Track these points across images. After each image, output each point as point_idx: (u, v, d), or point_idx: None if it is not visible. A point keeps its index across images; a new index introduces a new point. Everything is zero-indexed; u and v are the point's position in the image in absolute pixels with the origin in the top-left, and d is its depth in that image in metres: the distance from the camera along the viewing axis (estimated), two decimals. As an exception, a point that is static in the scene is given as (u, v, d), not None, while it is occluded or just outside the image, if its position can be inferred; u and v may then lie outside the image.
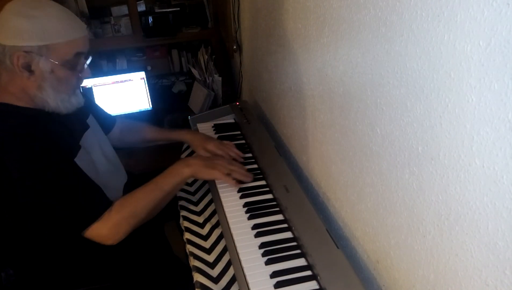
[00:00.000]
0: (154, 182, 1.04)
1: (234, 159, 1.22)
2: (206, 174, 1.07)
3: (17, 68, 0.91)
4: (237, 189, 1.10)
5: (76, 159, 1.01)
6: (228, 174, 1.08)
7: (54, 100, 0.97)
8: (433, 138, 0.62)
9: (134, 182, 1.29)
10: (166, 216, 1.31)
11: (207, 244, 1.02)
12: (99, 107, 1.32)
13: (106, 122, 1.30)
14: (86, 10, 1.96)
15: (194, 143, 1.28)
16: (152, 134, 1.39)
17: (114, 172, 1.20)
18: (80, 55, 0.97)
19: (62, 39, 0.92)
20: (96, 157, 1.11)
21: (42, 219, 0.97)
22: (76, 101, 1.02)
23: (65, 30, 0.92)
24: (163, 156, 1.70)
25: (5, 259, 1.12)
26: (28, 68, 0.91)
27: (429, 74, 0.61)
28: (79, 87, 1.06)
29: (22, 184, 0.90)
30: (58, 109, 0.99)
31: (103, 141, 1.20)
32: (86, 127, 1.13)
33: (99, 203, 0.98)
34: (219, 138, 1.36)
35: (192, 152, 1.37)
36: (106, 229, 0.96)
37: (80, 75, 1.01)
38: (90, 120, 1.17)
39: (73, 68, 0.97)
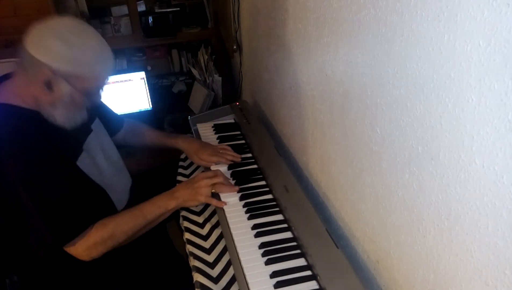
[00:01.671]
0: (139, 209, 1.03)
1: (233, 161, 1.22)
2: (191, 202, 1.07)
3: (38, 82, 0.91)
4: (237, 189, 1.11)
5: (78, 162, 1.01)
6: (213, 191, 1.07)
7: (61, 117, 0.97)
8: (433, 138, 0.62)
9: (139, 186, 1.28)
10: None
11: (207, 244, 1.02)
12: (107, 108, 1.31)
13: (113, 124, 1.30)
14: (86, 10, 1.96)
15: (189, 152, 1.28)
16: (151, 138, 1.38)
17: (118, 175, 1.19)
18: (101, 88, 1.00)
19: (91, 73, 0.94)
20: (99, 160, 1.11)
21: (30, 226, 0.97)
22: (80, 117, 1.02)
23: (96, 65, 0.93)
24: (163, 155, 1.70)
25: (9, 265, 1.11)
26: (48, 85, 0.92)
27: (429, 74, 0.61)
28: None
29: (17, 188, 0.90)
30: (62, 125, 0.99)
31: (107, 144, 1.19)
32: (89, 131, 1.12)
33: (83, 220, 0.97)
34: (219, 138, 1.36)
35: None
36: (83, 247, 0.97)
37: (92, 99, 1.02)
38: (95, 124, 1.16)
39: (90, 96, 0.99)
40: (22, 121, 0.94)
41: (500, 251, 0.53)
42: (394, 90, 0.70)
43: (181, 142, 1.31)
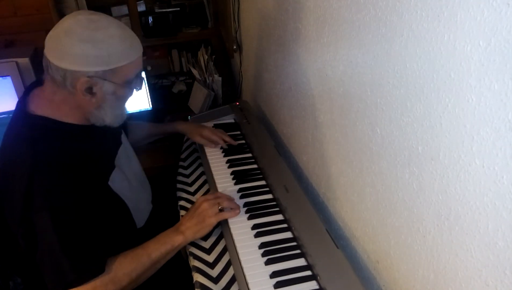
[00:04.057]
0: (143, 247, 0.94)
1: (229, 145, 1.27)
2: (202, 231, 0.98)
3: (80, 92, 0.88)
4: (236, 189, 1.11)
5: (110, 182, 0.99)
6: (220, 209, 1.00)
7: (110, 117, 0.96)
8: (433, 138, 0.62)
9: (160, 199, 1.24)
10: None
11: (206, 244, 1.02)
12: None
13: (124, 128, 1.24)
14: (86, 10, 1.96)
15: (190, 132, 1.33)
16: (149, 130, 1.39)
17: (141, 190, 1.15)
18: (139, 74, 0.97)
19: (126, 61, 0.89)
20: (128, 175, 1.07)
21: (46, 261, 0.86)
22: (125, 114, 1.01)
23: (127, 51, 0.89)
24: (162, 156, 1.70)
25: (13, 267, 1.10)
26: (90, 91, 0.89)
27: (429, 74, 0.61)
28: None
29: (44, 216, 0.83)
30: (111, 124, 0.98)
31: (132, 155, 1.16)
32: (119, 144, 1.10)
33: (95, 266, 0.87)
34: (219, 138, 1.36)
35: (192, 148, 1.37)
36: None
37: (134, 87, 1.00)
38: (123, 136, 1.14)
39: (132, 86, 0.97)
40: (61, 139, 0.91)
41: (500, 251, 0.53)
42: (394, 90, 0.70)
43: (179, 126, 1.37)
